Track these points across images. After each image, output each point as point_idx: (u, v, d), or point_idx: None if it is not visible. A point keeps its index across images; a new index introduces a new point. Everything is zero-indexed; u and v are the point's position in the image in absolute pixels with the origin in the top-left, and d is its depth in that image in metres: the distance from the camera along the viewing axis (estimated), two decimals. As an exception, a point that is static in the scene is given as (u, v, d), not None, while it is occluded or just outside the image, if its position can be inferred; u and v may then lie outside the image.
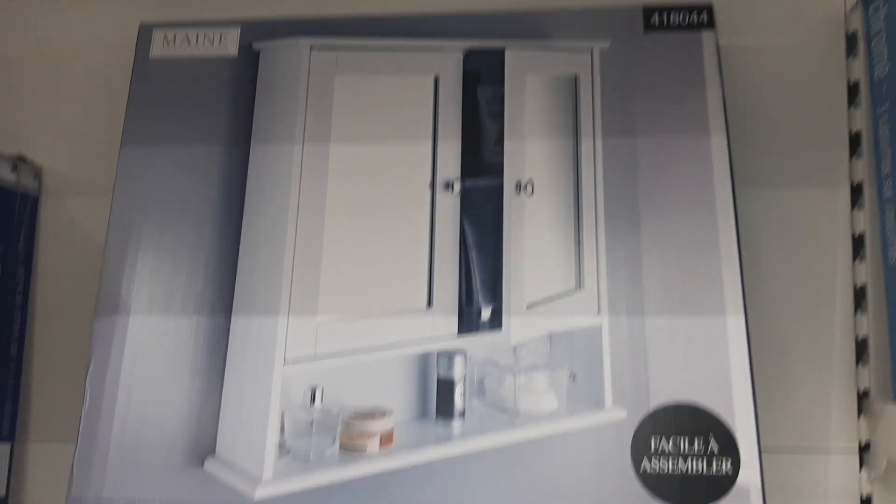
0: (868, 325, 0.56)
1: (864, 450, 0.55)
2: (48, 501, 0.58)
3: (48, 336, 0.60)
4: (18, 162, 0.58)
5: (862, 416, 0.55)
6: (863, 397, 0.56)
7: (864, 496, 0.55)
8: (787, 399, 0.55)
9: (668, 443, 0.44)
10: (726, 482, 0.43)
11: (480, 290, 0.48)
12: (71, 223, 0.60)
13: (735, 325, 0.46)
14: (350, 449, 0.46)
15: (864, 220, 0.56)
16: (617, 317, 0.47)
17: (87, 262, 0.59)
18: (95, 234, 0.58)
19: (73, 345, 0.59)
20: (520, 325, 0.48)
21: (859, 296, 0.56)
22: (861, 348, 0.56)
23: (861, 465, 0.55)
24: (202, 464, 0.46)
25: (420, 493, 0.44)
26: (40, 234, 0.60)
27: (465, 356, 0.47)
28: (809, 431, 0.55)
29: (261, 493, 0.45)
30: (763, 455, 0.44)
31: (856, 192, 0.57)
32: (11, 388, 0.56)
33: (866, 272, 0.56)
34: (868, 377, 0.55)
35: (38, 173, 0.60)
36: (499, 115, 0.50)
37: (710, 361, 0.45)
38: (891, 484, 0.54)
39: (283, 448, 0.46)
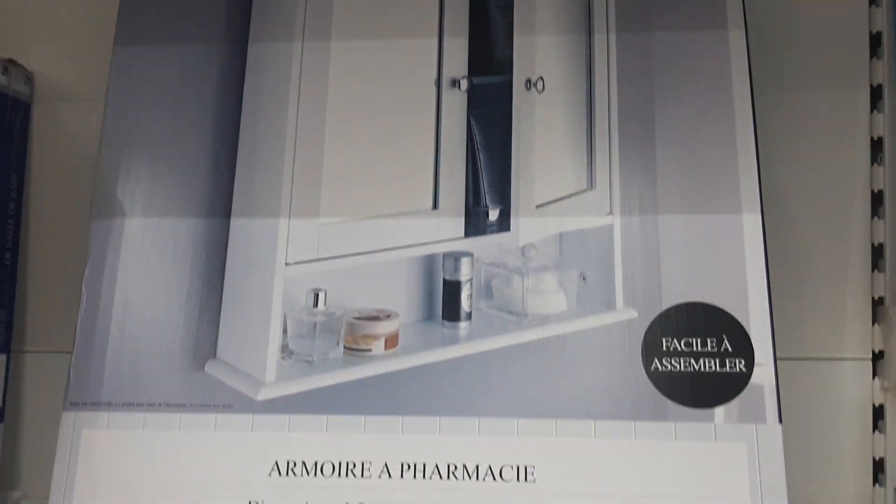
0: (885, 231, 0.54)
1: (877, 358, 0.54)
2: (45, 412, 0.57)
3: (43, 244, 0.58)
4: (9, 65, 0.56)
5: (876, 324, 0.54)
6: (877, 305, 0.54)
7: (877, 405, 0.54)
8: (801, 306, 0.54)
9: (680, 343, 0.43)
10: (740, 381, 0.42)
11: (488, 191, 0.47)
12: (64, 129, 0.59)
13: (751, 223, 0.44)
14: (355, 351, 0.45)
15: (884, 123, 0.54)
16: (629, 216, 0.45)
17: (81, 168, 0.58)
18: (89, 139, 0.56)
19: (69, 253, 0.58)
20: (528, 226, 0.46)
21: (877, 201, 0.55)
22: (877, 254, 0.55)
23: (874, 374, 0.54)
24: (203, 367, 0.45)
25: (426, 394, 0.44)
26: (33, 141, 0.58)
27: (472, 258, 0.46)
28: (823, 339, 0.54)
29: (264, 394, 0.44)
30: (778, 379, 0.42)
31: (876, 93, 0.55)
32: (6, 298, 0.55)
33: (884, 176, 0.54)
34: (883, 284, 0.54)
35: (29, 78, 0.58)
36: (508, 9, 0.48)
37: (725, 260, 0.44)
38: (904, 392, 0.53)
39: (285, 350, 0.45)
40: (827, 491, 0.54)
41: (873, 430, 0.54)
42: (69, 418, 0.45)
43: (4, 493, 0.56)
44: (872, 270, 0.55)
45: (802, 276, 0.55)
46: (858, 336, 0.54)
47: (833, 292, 0.54)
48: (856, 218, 0.55)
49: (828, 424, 0.54)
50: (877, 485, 0.54)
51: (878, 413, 0.54)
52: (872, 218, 0.55)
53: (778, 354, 0.43)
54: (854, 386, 0.54)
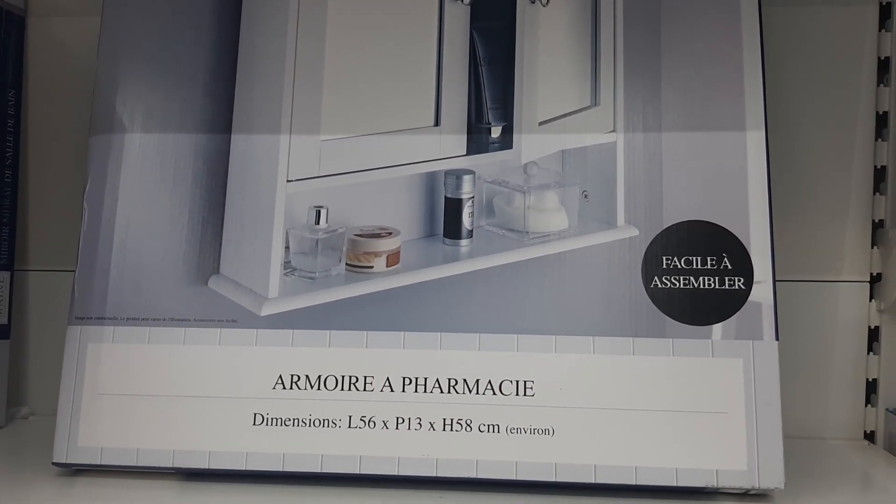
0: (888, 153, 0.54)
1: (874, 280, 0.55)
2: (50, 329, 0.58)
3: (43, 161, 0.58)
4: (0, -21, 0.55)
5: (875, 247, 0.55)
6: (877, 227, 0.55)
7: (872, 326, 0.55)
8: (801, 227, 0.55)
9: (681, 261, 0.44)
10: (738, 299, 0.43)
11: (490, 108, 0.46)
12: (60, 43, 0.58)
13: (755, 141, 0.44)
14: (356, 268, 0.45)
15: (892, 43, 0.54)
16: (632, 133, 0.45)
17: (79, 82, 0.57)
18: (86, 53, 0.56)
19: (69, 170, 0.58)
20: (531, 144, 0.46)
21: (881, 122, 0.54)
22: (879, 177, 0.55)
23: (871, 296, 0.55)
24: (206, 282, 0.45)
25: (428, 310, 0.44)
26: (29, 56, 0.57)
27: (474, 176, 0.46)
28: (822, 261, 0.55)
29: (267, 310, 0.45)
30: (777, 297, 0.43)
31: (884, 11, 0.54)
32: (8, 216, 0.55)
33: (890, 98, 0.54)
34: (884, 207, 0.54)
35: (22, -9, 0.56)
36: (512, -80, 0.46)
37: (728, 179, 0.44)
38: (899, 313, 0.53)
39: (288, 267, 0.45)
40: (821, 410, 0.55)
41: (868, 352, 0.55)
42: (74, 332, 0.45)
43: (12, 409, 0.57)
44: (874, 193, 0.55)
45: (804, 198, 0.55)
46: (857, 258, 0.55)
47: (834, 214, 0.55)
48: (859, 139, 0.55)
49: (824, 345, 0.55)
50: (869, 405, 0.55)
51: (874, 335, 0.55)
52: (876, 140, 0.54)
53: (777, 276, 0.43)
54: (851, 308, 0.55)
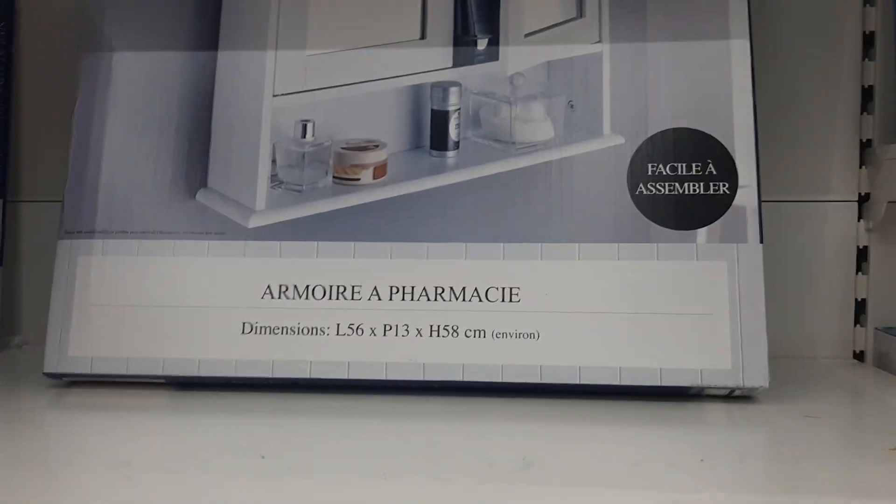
0: (875, 73, 0.54)
1: (863, 200, 0.55)
2: (42, 260, 0.58)
3: (33, 91, 0.58)
4: None
5: (863, 167, 0.55)
6: (865, 147, 0.55)
7: (861, 247, 0.55)
8: (789, 148, 0.55)
9: (666, 167, 0.44)
10: (723, 204, 0.43)
11: (476, 20, 0.46)
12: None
13: (739, 49, 0.44)
14: (343, 181, 0.45)
15: (879, -40, 0.54)
16: (617, 44, 0.45)
17: (70, 9, 0.57)
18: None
19: (61, 98, 0.58)
20: (517, 55, 0.46)
21: (868, 41, 0.54)
22: (867, 96, 0.55)
23: (860, 216, 0.55)
24: (194, 196, 0.46)
25: (415, 221, 0.44)
26: (17, -16, 0.57)
27: (461, 88, 0.46)
28: (810, 181, 0.55)
29: (255, 222, 0.45)
30: (761, 204, 0.43)
31: (873, -72, 0.54)
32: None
33: (876, 17, 0.54)
34: (872, 126, 0.54)
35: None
36: None
37: (712, 86, 0.44)
38: (887, 233, 0.54)
39: (275, 180, 0.46)
40: (810, 330, 0.55)
41: (857, 272, 0.55)
42: (65, 246, 0.46)
43: (5, 339, 0.57)
44: (861, 112, 0.55)
45: (791, 119, 0.55)
46: (845, 178, 0.55)
47: (822, 134, 0.55)
48: (846, 59, 0.55)
49: (813, 266, 0.55)
50: (858, 325, 0.55)
51: (863, 255, 0.55)
52: (863, 60, 0.54)
53: (764, 197, 0.44)
54: (839, 228, 0.55)
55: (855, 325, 0.55)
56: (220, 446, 0.34)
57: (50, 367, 0.44)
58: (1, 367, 0.52)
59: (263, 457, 0.32)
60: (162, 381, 0.44)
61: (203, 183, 0.46)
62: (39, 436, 0.37)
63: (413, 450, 0.34)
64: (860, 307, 0.55)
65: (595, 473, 0.31)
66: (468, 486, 0.29)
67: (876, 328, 0.54)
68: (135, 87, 0.47)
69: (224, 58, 0.47)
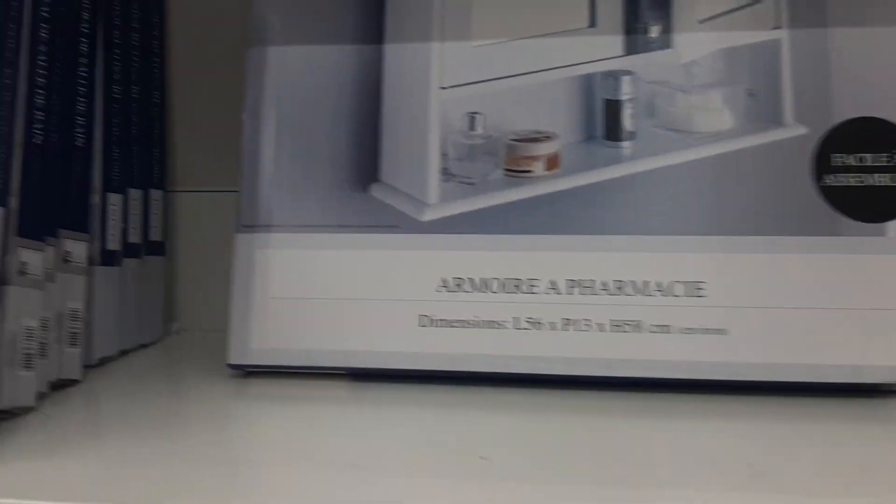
0: None
1: None
2: (204, 247, 0.60)
3: (188, 80, 0.59)
4: None
5: None
6: None
7: None
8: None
9: (852, 158, 0.42)
10: (915, 195, 0.42)
11: (648, 6, 0.45)
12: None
13: (932, 33, 0.42)
14: (515, 173, 0.45)
15: None
16: (798, 29, 0.44)
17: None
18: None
19: (217, 89, 0.59)
20: (691, 42, 0.45)
21: None
22: None
23: None
24: (367, 189, 0.46)
25: (591, 213, 0.44)
26: (172, -24, 0.58)
27: (633, 76, 0.45)
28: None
29: (429, 215, 0.45)
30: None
31: None
32: (158, 136, 0.57)
33: None
34: None
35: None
36: None
37: (901, 73, 0.43)
38: None
39: (446, 173, 0.46)
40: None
41: None
42: (242, 240, 0.47)
43: (168, 324, 0.59)
44: None
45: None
46: None
47: None
48: None
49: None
50: None
51: None
52: None
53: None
54: None
55: None
56: (431, 445, 0.35)
57: (234, 358, 0.46)
58: (170, 353, 0.54)
59: (482, 458, 0.33)
60: (342, 372, 0.45)
61: (375, 177, 0.46)
62: (242, 429, 0.38)
63: (630, 451, 0.34)
64: None
65: (830, 480, 0.31)
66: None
67: None
68: (303, 80, 0.47)
69: (390, 50, 0.47)
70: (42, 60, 0.41)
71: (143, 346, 0.55)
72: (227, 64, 0.58)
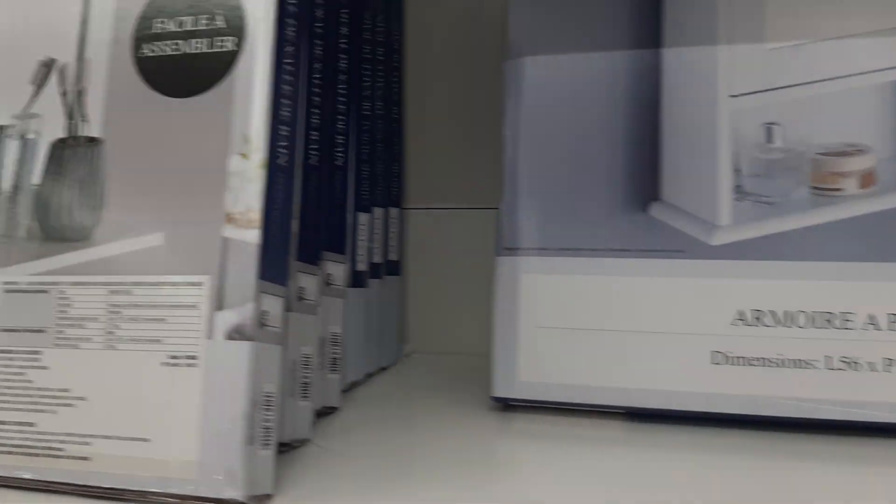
0: None
1: None
2: (440, 267, 0.57)
3: (426, 95, 0.57)
4: None
5: None
6: None
7: None
8: None
9: None
10: None
11: None
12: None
13: None
14: (822, 191, 0.40)
15: None
16: None
17: (461, 15, 0.56)
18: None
19: (454, 103, 0.56)
20: None
21: None
22: None
23: None
24: (646, 210, 0.42)
25: (915, 237, 0.38)
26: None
27: (965, 80, 0.39)
28: None
29: (720, 238, 0.40)
30: None
31: None
32: (397, 152, 0.55)
33: None
34: None
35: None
36: None
37: None
38: None
39: (739, 192, 0.41)
40: None
41: None
42: (505, 263, 0.43)
43: (399, 346, 0.57)
44: None
45: None
46: None
47: None
48: None
49: None
50: None
51: None
52: None
53: None
54: None
55: None
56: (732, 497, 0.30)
57: (499, 391, 0.42)
58: (411, 379, 0.52)
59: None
60: (619, 411, 0.41)
61: (655, 195, 0.42)
62: (514, 473, 0.35)
63: None
64: None
65: None
66: None
67: None
68: (569, 92, 0.44)
69: (669, 55, 0.43)
70: (316, 78, 0.40)
71: (383, 368, 0.53)
72: (456, 77, 0.56)
